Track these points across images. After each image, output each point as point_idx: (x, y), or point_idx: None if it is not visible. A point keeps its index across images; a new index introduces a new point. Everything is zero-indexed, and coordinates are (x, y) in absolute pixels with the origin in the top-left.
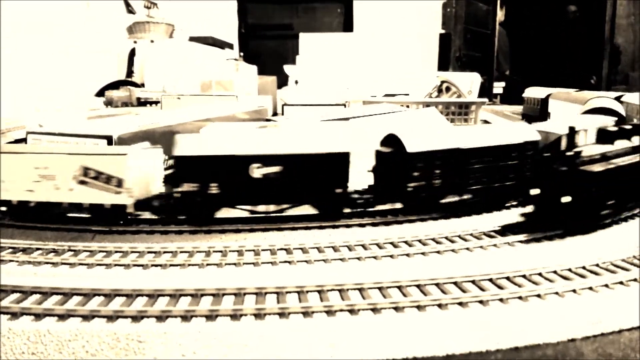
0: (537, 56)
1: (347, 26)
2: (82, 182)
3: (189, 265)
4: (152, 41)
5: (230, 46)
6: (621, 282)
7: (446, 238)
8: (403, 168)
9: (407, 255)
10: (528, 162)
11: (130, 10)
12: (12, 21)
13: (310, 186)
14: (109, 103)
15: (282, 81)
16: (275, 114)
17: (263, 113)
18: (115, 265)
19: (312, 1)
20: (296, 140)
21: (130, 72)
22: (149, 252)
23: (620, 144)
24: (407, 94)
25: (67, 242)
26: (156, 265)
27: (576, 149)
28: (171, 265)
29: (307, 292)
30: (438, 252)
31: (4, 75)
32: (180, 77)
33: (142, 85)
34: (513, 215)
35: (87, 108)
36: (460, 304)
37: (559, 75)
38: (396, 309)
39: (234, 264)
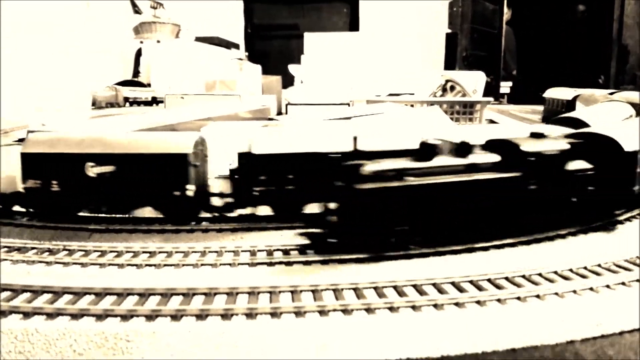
0: (544, 56)
1: (353, 26)
2: None
3: None
4: (158, 41)
5: (236, 46)
6: (623, 283)
7: None
8: (249, 171)
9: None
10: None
11: (136, 10)
12: (12, 21)
13: (147, 188)
14: (93, 104)
15: (288, 81)
16: (279, 113)
17: (266, 112)
18: (110, 264)
19: (318, 1)
20: (133, 140)
21: (136, 72)
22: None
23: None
24: (412, 93)
25: (63, 241)
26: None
27: (358, 161)
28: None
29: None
30: None
31: (4, 75)
32: (186, 77)
33: (149, 85)
34: None
35: (88, 108)
36: (457, 304)
37: (566, 75)
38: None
39: None
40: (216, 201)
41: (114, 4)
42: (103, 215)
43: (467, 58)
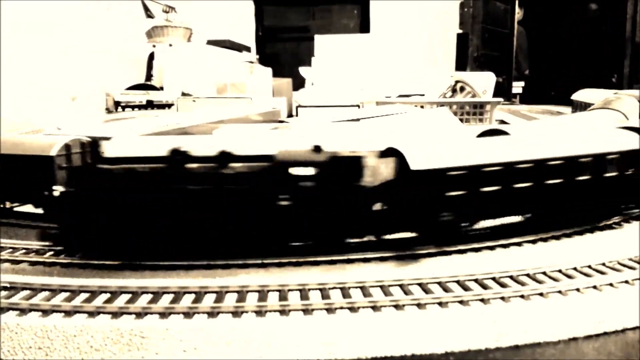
0: (557, 55)
1: (364, 27)
2: None
3: None
4: (170, 45)
5: (248, 49)
6: (626, 281)
7: None
8: None
9: None
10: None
11: (149, 14)
12: (12, 21)
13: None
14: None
15: (299, 83)
16: (290, 115)
17: (276, 115)
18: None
19: (329, 3)
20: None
21: (149, 76)
22: None
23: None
24: (422, 94)
25: None
26: None
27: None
28: None
29: None
30: None
31: (4, 75)
32: (198, 80)
33: (161, 88)
34: None
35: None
36: (461, 302)
37: (579, 75)
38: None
39: None
40: None
41: (114, 3)
42: None
43: (478, 58)
